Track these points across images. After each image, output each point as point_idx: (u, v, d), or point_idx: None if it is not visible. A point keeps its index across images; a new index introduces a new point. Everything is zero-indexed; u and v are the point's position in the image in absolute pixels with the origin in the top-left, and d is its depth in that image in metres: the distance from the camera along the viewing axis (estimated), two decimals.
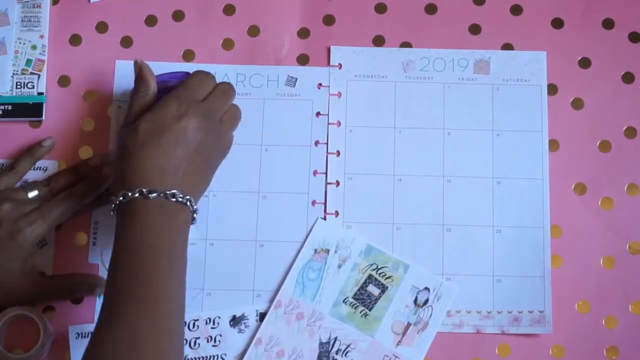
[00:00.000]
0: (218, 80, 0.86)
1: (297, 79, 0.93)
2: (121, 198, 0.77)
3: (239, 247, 0.89)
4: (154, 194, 0.77)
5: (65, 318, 0.88)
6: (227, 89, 0.85)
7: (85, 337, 0.87)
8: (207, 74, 0.85)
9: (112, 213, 0.79)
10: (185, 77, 0.85)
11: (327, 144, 0.91)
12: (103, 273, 0.89)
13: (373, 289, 0.88)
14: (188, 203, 0.79)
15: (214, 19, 0.95)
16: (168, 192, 0.77)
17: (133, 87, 0.86)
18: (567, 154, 0.91)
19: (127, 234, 0.77)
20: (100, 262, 0.89)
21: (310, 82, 0.93)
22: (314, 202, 0.90)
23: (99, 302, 0.88)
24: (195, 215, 0.80)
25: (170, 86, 0.85)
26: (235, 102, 0.88)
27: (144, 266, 0.75)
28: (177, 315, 0.75)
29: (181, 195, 0.78)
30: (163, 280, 0.75)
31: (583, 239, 0.90)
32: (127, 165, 0.79)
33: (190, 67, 0.92)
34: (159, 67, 0.90)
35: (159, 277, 0.74)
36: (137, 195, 0.77)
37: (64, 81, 0.93)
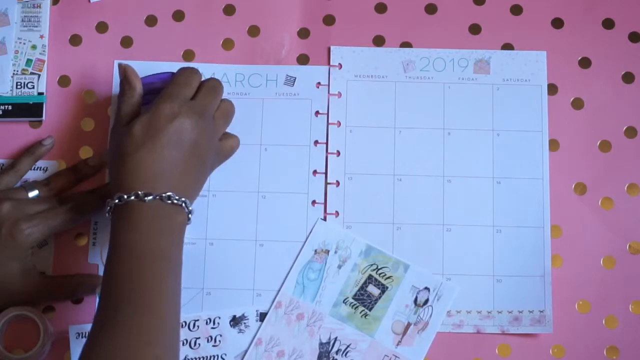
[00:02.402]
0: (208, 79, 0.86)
1: (295, 78, 0.93)
2: (117, 200, 0.78)
3: (239, 247, 0.89)
4: (150, 197, 0.77)
5: (65, 318, 0.88)
6: (215, 85, 0.86)
7: (85, 336, 0.87)
8: (192, 69, 0.85)
9: (107, 215, 0.79)
10: (170, 78, 0.85)
11: (326, 143, 0.91)
12: (102, 273, 0.89)
13: (373, 289, 0.88)
14: (184, 205, 0.79)
15: (214, 19, 0.95)
16: (164, 194, 0.77)
17: (119, 90, 0.86)
18: (567, 153, 0.91)
19: (123, 236, 0.77)
20: (100, 262, 0.89)
21: (309, 82, 0.93)
22: (313, 202, 0.90)
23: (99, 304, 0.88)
24: (190, 216, 0.80)
25: (156, 87, 0.86)
26: (234, 102, 0.88)
27: (140, 269, 0.75)
28: (173, 317, 0.75)
29: (177, 197, 0.78)
30: (158, 283, 0.75)
31: (583, 238, 0.90)
32: (123, 167, 0.79)
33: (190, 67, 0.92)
34: (159, 67, 0.91)
35: (154, 280, 0.75)
36: (132, 198, 0.77)
37: (64, 81, 0.93)
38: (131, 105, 0.84)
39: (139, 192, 0.77)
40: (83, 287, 0.88)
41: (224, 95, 0.88)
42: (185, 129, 0.80)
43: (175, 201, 0.78)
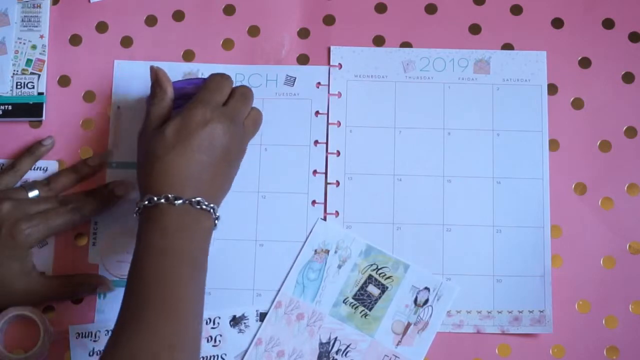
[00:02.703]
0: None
1: (295, 78, 0.93)
2: (146, 202, 0.77)
3: (239, 247, 0.89)
4: (180, 201, 0.76)
5: (65, 318, 0.88)
6: (246, 92, 0.85)
7: (85, 336, 0.87)
8: (224, 75, 0.85)
9: (135, 216, 0.78)
10: (202, 83, 0.85)
11: (326, 143, 0.91)
12: (103, 273, 0.89)
13: (373, 289, 0.88)
14: (211, 210, 0.79)
15: (214, 19, 0.95)
16: (193, 199, 0.77)
17: (149, 93, 0.86)
18: (567, 153, 0.91)
19: (150, 238, 0.76)
20: (100, 262, 0.89)
21: (309, 81, 0.93)
22: (313, 202, 0.90)
23: (99, 302, 0.88)
24: (217, 222, 0.80)
25: (187, 92, 0.85)
26: None
27: (166, 271, 0.74)
28: (197, 321, 0.75)
29: (206, 203, 0.78)
30: (184, 287, 0.75)
31: (583, 238, 0.90)
32: (153, 169, 0.78)
33: (190, 67, 0.93)
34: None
35: (179, 283, 0.75)
36: (162, 200, 0.76)
37: (64, 81, 0.93)
38: (162, 108, 0.83)
39: (169, 195, 0.76)
40: (83, 287, 0.88)
41: None
42: (217, 134, 0.80)
43: (204, 207, 0.78)
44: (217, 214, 0.80)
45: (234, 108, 0.83)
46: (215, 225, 0.80)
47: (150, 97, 0.85)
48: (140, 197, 0.79)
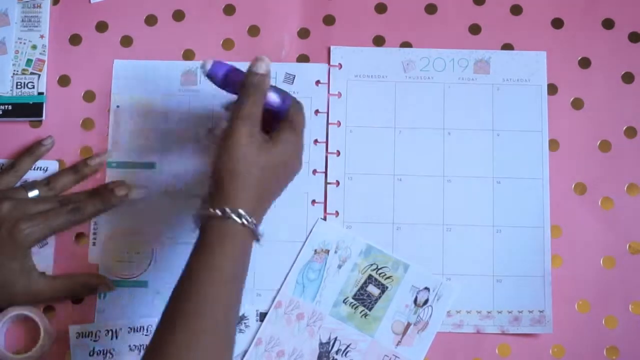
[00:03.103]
0: None
1: (295, 76, 0.93)
2: (219, 213, 0.74)
3: None
4: (246, 220, 0.74)
5: (65, 318, 0.88)
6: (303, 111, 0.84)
7: (85, 336, 0.87)
8: (301, 106, 0.83)
9: (194, 225, 0.76)
10: (289, 106, 0.82)
11: (326, 142, 0.91)
12: (103, 273, 0.89)
13: (373, 289, 0.88)
14: (256, 231, 0.76)
15: (214, 19, 0.95)
16: (256, 222, 0.75)
17: (238, 97, 0.79)
18: (567, 153, 0.91)
19: (209, 256, 0.73)
20: (100, 262, 0.89)
21: (308, 80, 0.93)
22: (313, 202, 0.90)
23: (99, 302, 0.88)
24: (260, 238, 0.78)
25: (272, 109, 0.82)
26: (234, 99, 0.88)
27: (215, 291, 0.72)
28: (233, 339, 0.74)
29: (261, 228, 0.76)
30: (226, 305, 0.73)
31: (583, 238, 0.90)
32: (232, 184, 0.75)
33: (192, 67, 0.92)
34: (159, 67, 0.91)
35: (223, 302, 0.73)
36: (233, 216, 0.73)
37: (64, 81, 0.93)
38: (250, 120, 0.77)
39: (241, 211, 0.74)
40: (84, 287, 0.88)
41: (225, 93, 0.87)
42: (297, 170, 0.82)
43: (253, 227, 0.75)
44: (262, 234, 0.78)
45: (303, 138, 0.83)
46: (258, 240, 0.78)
47: (240, 102, 0.78)
48: (206, 202, 0.76)
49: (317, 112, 0.92)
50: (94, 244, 0.90)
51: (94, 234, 0.90)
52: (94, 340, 0.87)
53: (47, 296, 0.87)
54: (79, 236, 0.90)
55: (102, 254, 0.90)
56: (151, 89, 0.92)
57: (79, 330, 0.87)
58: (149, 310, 0.88)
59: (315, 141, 0.91)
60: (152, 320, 0.87)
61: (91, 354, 0.87)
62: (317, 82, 0.93)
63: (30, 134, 0.92)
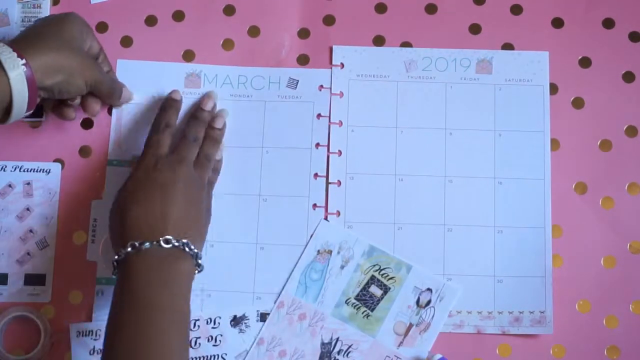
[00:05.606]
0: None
1: (298, 80, 0.93)
2: (116, 257, 0.78)
3: (240, 250, 0.89)
4: (147, 244, 0.76)
5: (65, 318, 0.88)
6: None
7: (85, 335, 0.87)
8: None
9: (113, 276, 0.78)
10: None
11: (328, 146, 0.91)
12: (102, 271, 0.89)
13: (375, 290, 0.88)
14: (187, 249, 0.78)
15: (214, 19, 0.95)
16: (161, 238, 0.77)
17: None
18: (567, 153, 0.91)
19: (124, 289, 0.76)
20: (98, 260, 0.89)
21: (311, 84, 0.93)
22: (314, 206, 0.90)
23: (97, 300, 0.89)
24: (199, 261, 0.79)
25: None
26: (236, 104, 0.88)
27: (139, 320, 0.73)
28: None
29: (176, 240, 0.77)
30: (160, 335, 0.73)
31: (584, 238, 0.90)
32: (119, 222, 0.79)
33: (195, 70, 0.92)
34: (159, 67, 0.91)
35: (155, 332, 0.73)
36: (129, 249, 0.77)
37: None
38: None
39: (135, 243, 0.77)
40: (117, 93, 0.89)
41: (228, 97, 0.88)
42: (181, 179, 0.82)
43: (175, 244, 0.77)
44: (195, 251, 0.79)
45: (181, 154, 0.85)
46: (199, 265, 0.79)
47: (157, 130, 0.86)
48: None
49: (319, 116, 0.92)
50: (92, 241, 0.90)
51: (93, 231, 0.90)
52: (94, 339, 0.87)
53: (92, 72, 0.85)
54: (78, 234, 0.90)
55: (100, 252, 0.89)
56: (154, 90, 0.92)
57: (79, 329, 0.87)
58: None
59: (317, 145, 0.91)
60: None
61: (91, 352, 0.87)
62: (320, 87, 0.92)
63: (30, 134, 0.92)
